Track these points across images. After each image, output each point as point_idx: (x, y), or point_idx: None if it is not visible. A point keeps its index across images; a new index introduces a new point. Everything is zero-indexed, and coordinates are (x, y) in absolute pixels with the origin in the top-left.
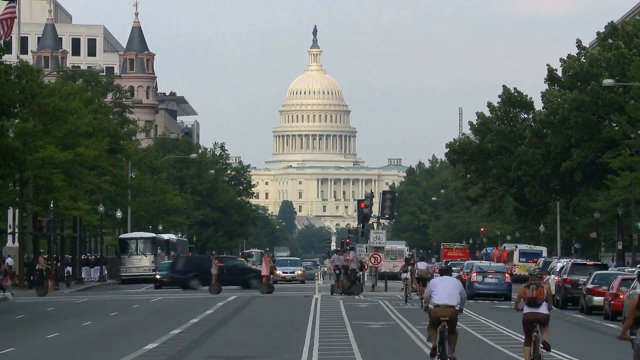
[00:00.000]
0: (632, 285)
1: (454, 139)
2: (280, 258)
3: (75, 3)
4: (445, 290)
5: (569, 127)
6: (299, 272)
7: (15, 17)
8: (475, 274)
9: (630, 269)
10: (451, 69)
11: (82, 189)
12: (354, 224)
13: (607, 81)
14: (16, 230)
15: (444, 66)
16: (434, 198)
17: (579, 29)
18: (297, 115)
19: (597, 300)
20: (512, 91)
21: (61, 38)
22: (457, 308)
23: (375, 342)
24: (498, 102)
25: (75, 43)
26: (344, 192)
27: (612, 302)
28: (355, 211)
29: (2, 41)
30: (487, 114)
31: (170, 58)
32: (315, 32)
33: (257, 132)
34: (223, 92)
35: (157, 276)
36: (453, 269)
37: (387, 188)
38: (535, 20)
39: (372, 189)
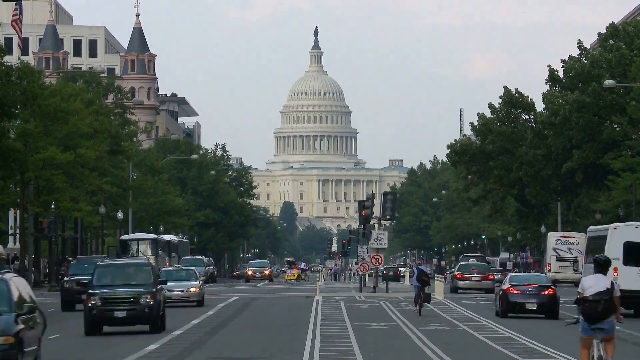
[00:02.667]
0: None
1: (455, 140)
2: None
3: (76, 4)
4: None
5: (570, 128)
6: (194, 289)
7: (20, 19)
8: None
9: None
10: (452, 70)
11: (83, 190)
12: (355, 225)
13: (608, 82)
14: (17, 231)
15: (445, 67)
16: (435, 199)
17: (580, 29)
18: (298, 116)
19: None
20: (513, 92)
21: (62, 39)
22: None
23: (377, 343)
24: (499, 103)
25: (77, 44)
26: (345, 193)
27: None
28: (356, 212)
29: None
30: (488, 114)
31: (172, 59)
32: (316, 33)
33: (258, 133)
34: (224, 93)
35: None
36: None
37: (388, 189)
38: (536, 20)
39: (373, 190)
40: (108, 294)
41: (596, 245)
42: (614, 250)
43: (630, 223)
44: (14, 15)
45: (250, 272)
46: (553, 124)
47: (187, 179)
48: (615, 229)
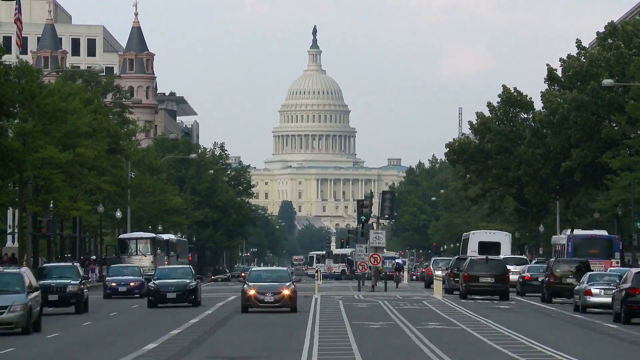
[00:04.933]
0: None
1: (453, 139)
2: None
3: (75, 3)
4: None
5: (568, 127)
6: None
7: (20, 19)
8: None
9: None
10: (451, 69)
11: (82, 189)
12: (354, 224)
13: (607, 81)
14: (16, 230)
15: (444, 66)
16: (433, 198)
17: (579, 28)
18: (297, 116)
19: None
20: (512, 91)
21: (61, 38)
22: None
23: (375, 342)
24: (498, 102)
25: (75, 43)
26: (343, 192)
27: None
28: (355, 211)
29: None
30: (487, 113)
31: (170, 58)
32: (314, 32)
33: (256, 132)
34: (223, 92)
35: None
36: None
37: (386, 188)
38: (535, 19)
39: (371, 189)
40: None
41: (465, 244)
42: (473, 246)
43: (483, 230)
44: (17, 15)
45: None
46: (551, 123)
47: (185, 178)
48: (473, 233)
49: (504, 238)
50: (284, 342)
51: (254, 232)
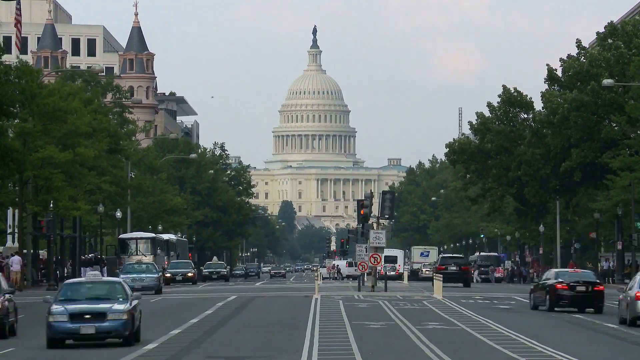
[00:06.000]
0: None
1: (453, 139)
2: None
3: (75, 3)
4: None
5: (568, 127)
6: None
7: (20, 20)
8: None
9: None
10: (451, 69)
11: (82, 189)
12: (354, 224)
13: (607, 81)
14: (16, 230)
15: (444, 66)
16: (433, 198)
17: (579, 28)
18: (297, 115)
19: None
20: (512, 91)
21: (61, 38)
22: None
23: (375, 342)
24: (498, 102)
25: (75, 43)
26: (343, 192)
27: None
28: (355, 211)
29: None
30: (487, 114)
31: (170, 58)
32: (314, 32)
33: (256, 132)
34: (223, 92)
35: None
36: None
37: (386, 188)
38: (535, 20)
39: (371, 189)
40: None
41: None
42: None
43: (387, 248)
44: (16, 16)
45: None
46: (552, 123)
47: (185, 178)
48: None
49: (399, 253)
50: (284, 342)
51: (254, 232)
